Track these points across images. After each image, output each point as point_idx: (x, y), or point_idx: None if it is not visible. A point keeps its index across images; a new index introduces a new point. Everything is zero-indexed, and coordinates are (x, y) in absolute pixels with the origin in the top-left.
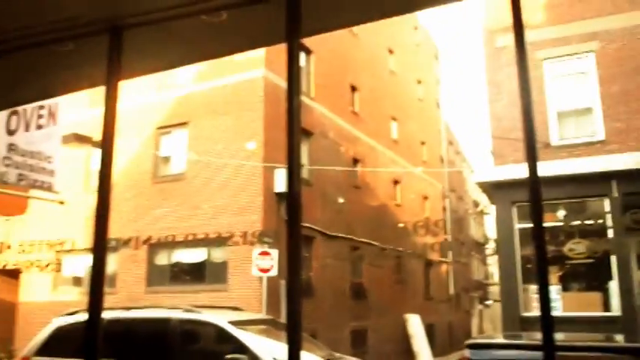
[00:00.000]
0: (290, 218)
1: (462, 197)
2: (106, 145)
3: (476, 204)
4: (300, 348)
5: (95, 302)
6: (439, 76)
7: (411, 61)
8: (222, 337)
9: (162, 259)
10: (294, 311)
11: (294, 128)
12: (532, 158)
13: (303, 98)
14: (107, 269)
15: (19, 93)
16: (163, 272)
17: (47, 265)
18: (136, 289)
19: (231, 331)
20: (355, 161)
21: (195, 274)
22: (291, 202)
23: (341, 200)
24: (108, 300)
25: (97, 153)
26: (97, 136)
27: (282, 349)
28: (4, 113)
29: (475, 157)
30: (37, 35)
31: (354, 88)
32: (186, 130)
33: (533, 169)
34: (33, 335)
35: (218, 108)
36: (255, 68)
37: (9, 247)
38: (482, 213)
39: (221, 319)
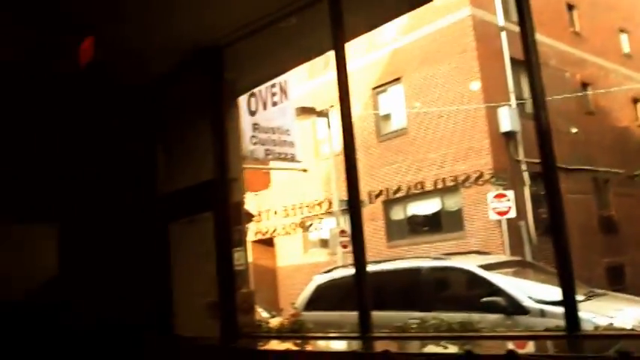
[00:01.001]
0: (542, 151)
1: None
2: (344, 105)
3: None
4: (574, 283)
5: (359, 256)
6: None
7: None
8: (474, 281)
9: (398, 213)
10: (561, 247)
11: (532, 60)
12: None
13: (515, 27)
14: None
15: (258, 74)
16: (400, 226)
17: (302, 228)
18: (377, 244)
19: (482, 274)
20: (584, 85)
21: (432, 224)
22: (541, 135)
23: (574, 130)
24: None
25: (321, 122)
26: (320, 106)
27: (537, 288)
28: (244, 97)
29: None
30: (264, 17)
31: (570, 7)
32: (401, 85)
33: None
34: (292, 295)
35: (429, 57)
36: (460, 8)
37: (262, 218)
38: None
39: (470, 263)
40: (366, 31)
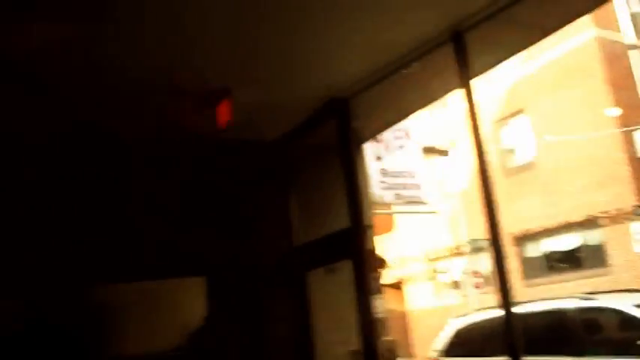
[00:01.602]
0: None
1: None
2: (477, 141)
3: None
4: None
5: (505, 297)
6: None
7: None
8: (629, 322)
9: (532, 250)
10: None
11: None
12: None
13: None
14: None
15: (383, 120)
16: (536, 264)
17: (429, 274)
18: (513, 284)
19: (638, 315)
20: None
21: (571, 260)
22: None
23: None
24: (489, 299)
25: (442, 161)
26: (441, 143)
27: None
28: (370, 142)
29: None
30: (388, 66)
31: None
32: (524, 116)
33: None
34: (424, 339)
35: (553, 84)
36: (583, 31)
37: (395, 263)
38: None
39: (623, 303)
40: (492, 67)
